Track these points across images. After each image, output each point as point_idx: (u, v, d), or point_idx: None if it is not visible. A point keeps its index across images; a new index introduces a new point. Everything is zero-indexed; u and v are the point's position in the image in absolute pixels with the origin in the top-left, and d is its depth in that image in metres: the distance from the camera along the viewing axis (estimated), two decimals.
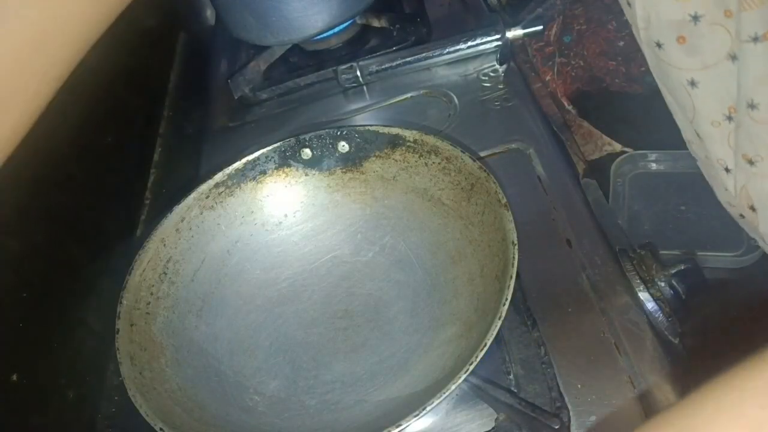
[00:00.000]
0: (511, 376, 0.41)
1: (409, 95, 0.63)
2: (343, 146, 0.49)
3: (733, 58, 0.37)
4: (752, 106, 0.37)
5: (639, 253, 0.45)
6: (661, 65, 0.40)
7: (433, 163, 0.46)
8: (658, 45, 0.39)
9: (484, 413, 0.39)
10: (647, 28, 0.39)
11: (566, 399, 0.39)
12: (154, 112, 0.71)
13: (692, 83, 0.39)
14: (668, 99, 0.43)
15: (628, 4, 0.39)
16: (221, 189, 0.48)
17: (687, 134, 0.44)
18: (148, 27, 0.70)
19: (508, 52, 0.61)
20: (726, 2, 0.36)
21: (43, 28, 0.24)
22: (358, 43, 0.70)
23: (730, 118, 0.39)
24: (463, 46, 0.62)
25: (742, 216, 0.44)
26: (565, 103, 0.74)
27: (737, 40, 0.36)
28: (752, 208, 0.40)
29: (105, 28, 0.28)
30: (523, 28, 0.60)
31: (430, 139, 0.46)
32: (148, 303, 0.43)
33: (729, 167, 0.41)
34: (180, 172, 0.66)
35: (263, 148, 0.49)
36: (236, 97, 0.69)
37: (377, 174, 0.49)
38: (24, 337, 0.42)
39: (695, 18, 0.37)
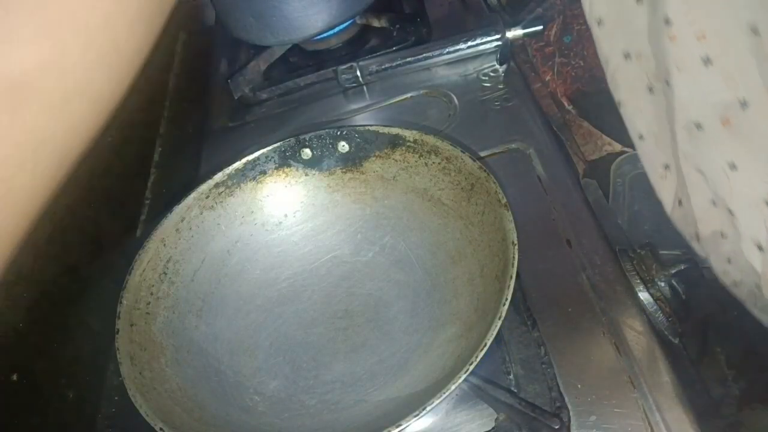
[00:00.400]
0: (511, 376, 0.41)
1: (409, 95, 0.63)
2: (343, 146, 0.49)
3: None
4: None
5: (639, 253, 0.45)
6: (697, 146, 0.39)
7: (433, 163, 0.46)
8: (698, 126, 0.38)
9: (484, 413, 0.39)
10: (687, 109, 0.38)
11: (566, 399, 0.39)
12: (154, 112, 0.71)
13: (732, 166, 0.38)
14: (688, 176, 0.42)
15: (667, 83, 0.38)
16: (221, 189, 0.48)
17: (697, 212, 0.43)
18: None
19: (508, 52, 0.61)
20: None
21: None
22: (358, 43, 0.70)
23: None
24: (463, 46, 0.62)
25: (735, 284, 0.45)
26: (565, 103, 0.74)
27: None
28: None
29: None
30: (523, 28, 0.60)
31: (430, 139, 0.46)
32: (148, 303, 0.43)
33: (762, 246, 0.41)
34: (180, 172, 0.65)
35: (263, 148, 0.49)
36: (236, 97, 0.70)
37: (377, 174, 0.49)
38: (24, 337, 0.42)
39: (744, 104, 0.36)
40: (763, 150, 0.37)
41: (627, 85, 0.45)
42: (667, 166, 0.46)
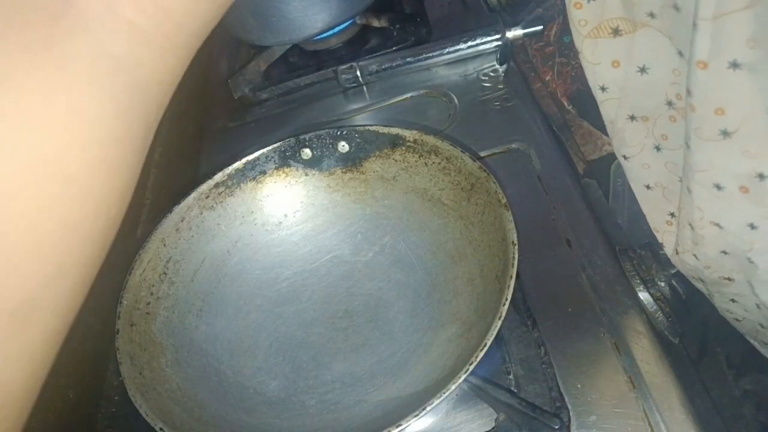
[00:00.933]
0: (511, 376, 0.41)
1: (409, 95, 0.63)
2: (343, 146, 0.49)
3: None
4: None
5: (639, 253, 0.45)
6: (717, 204, 0.40)
7: (433, 163, 0.46)
8: (718, 187, 0.39)
9: (484, 413, 0.39)
10: (707, 171, 0.38)
11: (566, 399, 0.39)
12: None
13: (752, 226, 0.39)
14: (701, 229, 0.42)
15: (687, 146, 0.39)
16: (221, 189, 0.48)
17: (705, 261, 0.44)
18: None
19: (508, 52, 0.61)
20: None
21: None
22: (358, 43, 0.70)
23: None
24: (463, 46, 0.62)
25: (737, 319, 0.46)
26: (565, 103, 0.74)
27: None
28: None
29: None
30: (523, 28, 0.60)
31: (430, 139, 0.46)
32: (148, 303, 0.43)
33: None
34: (180, 172, 0.66)
35: (263, 148, 0.49)
36: (236, 97, 0.70)
37: (377, 174, 0.49)
38: None
39: (761, 176, 0.36)
40: None
41: (634, 144, 0.45)
42: (672, 214, 0.46)
